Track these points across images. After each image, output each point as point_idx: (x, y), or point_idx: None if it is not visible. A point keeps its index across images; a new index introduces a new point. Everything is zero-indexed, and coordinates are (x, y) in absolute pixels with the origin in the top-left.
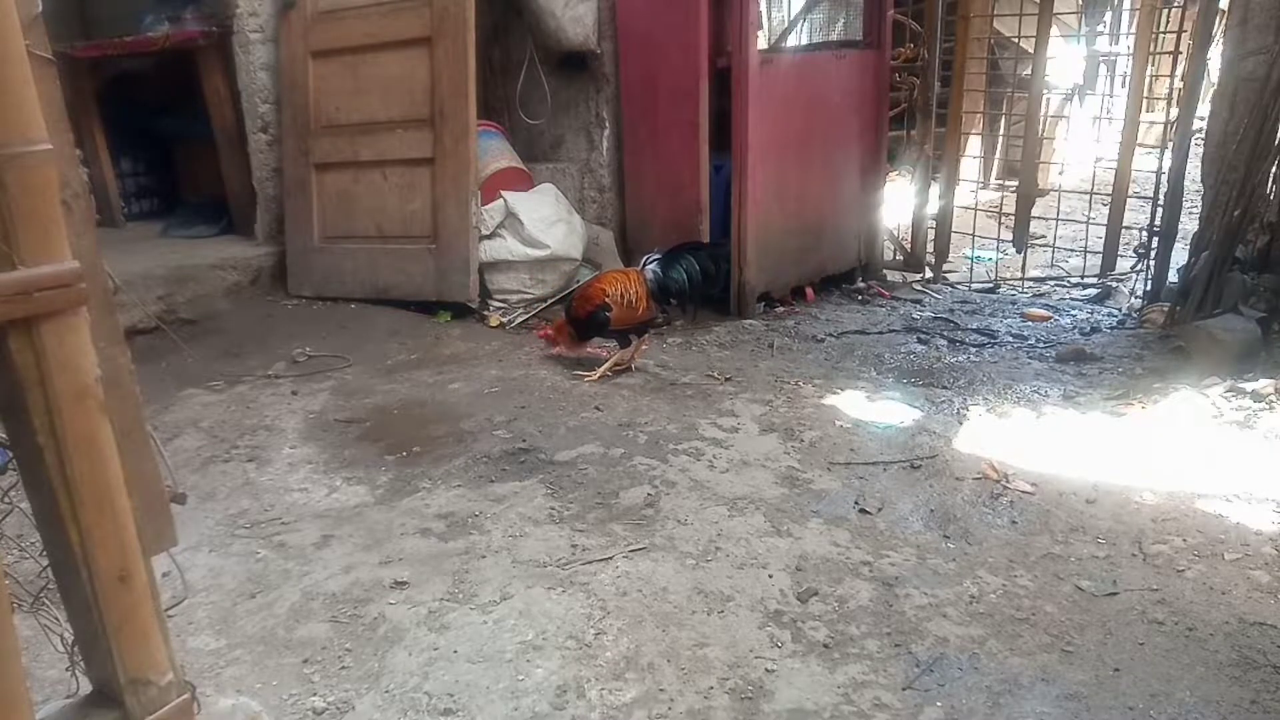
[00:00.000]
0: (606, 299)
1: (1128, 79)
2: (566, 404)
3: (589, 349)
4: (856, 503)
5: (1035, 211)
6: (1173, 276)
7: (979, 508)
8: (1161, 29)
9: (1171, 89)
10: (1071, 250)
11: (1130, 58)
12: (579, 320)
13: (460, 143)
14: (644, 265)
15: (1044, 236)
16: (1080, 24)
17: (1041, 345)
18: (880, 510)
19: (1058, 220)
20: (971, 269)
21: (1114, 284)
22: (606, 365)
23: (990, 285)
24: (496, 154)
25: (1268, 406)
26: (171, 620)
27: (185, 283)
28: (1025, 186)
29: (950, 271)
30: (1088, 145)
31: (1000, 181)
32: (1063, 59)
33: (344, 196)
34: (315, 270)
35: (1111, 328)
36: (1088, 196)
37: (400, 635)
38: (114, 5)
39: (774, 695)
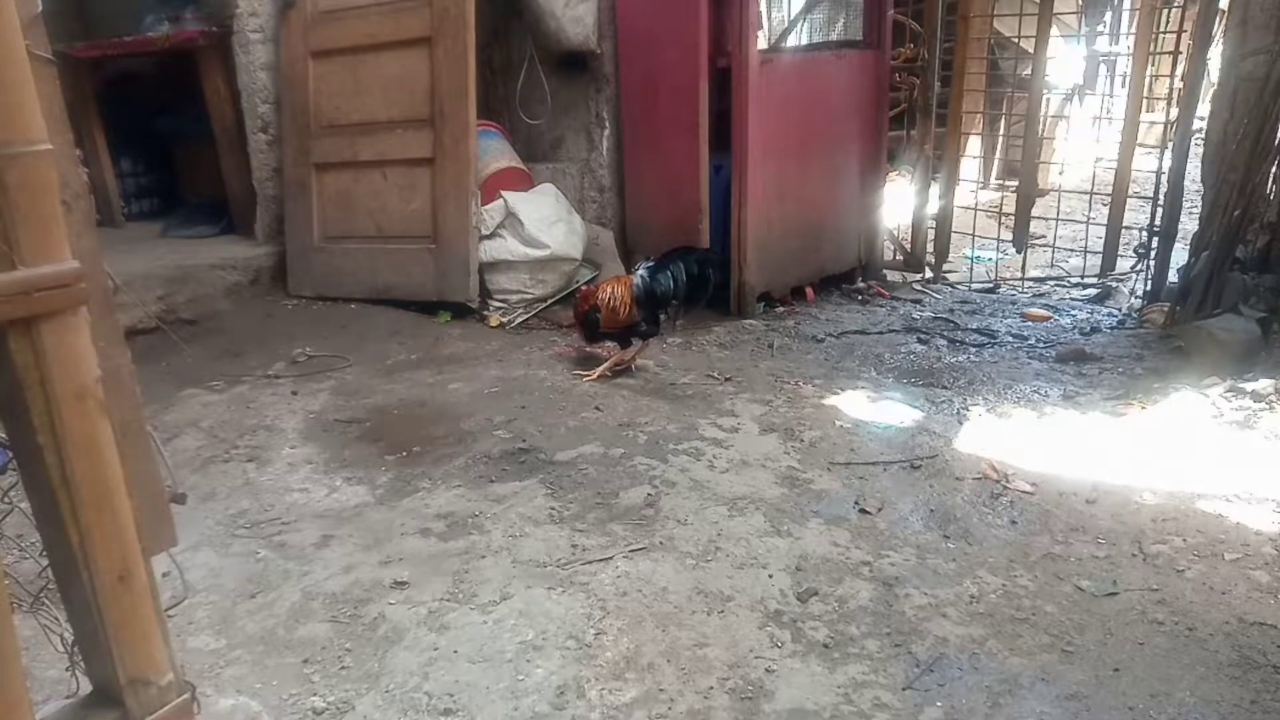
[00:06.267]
0: (597, 301)
1: (1128, 79)
2: (566, 404)
3: (590, 348)
4: (856, 503)
5: (1035, 211)
6: (1173, 276)
7: (979, 508)
8: (1161, 29)
9: (1171, 89)
10: (1071, 250)
11: (1130, 58)
12: (578, 318)
13: (460, 143)
14: (635, 271)
15: (1044, 236)
16: (1080, 24)
17: (1041, 345)
18: (880, 510)
19: (1058, 220)
20: (971, 269)
21: (1114, 284)
22: (605, 365)
23: (990, 285)
24: (496, 154)
25: (1268, 406)
26: (171, 620)
27: (185, 283)
28: (1025, 186)
29: (950, 271)
30: (1088, 145)
31: (1000, 181)
32: (1063, 59)
33: (344, 196)
34: (315, 270)
35: (1111, 328)
36: (1088, 196)
37: (400, 635)
38: (114, 5)
39: (774, 695)
